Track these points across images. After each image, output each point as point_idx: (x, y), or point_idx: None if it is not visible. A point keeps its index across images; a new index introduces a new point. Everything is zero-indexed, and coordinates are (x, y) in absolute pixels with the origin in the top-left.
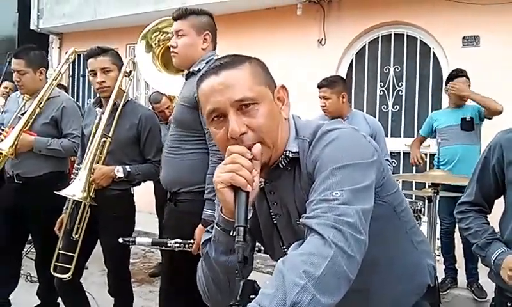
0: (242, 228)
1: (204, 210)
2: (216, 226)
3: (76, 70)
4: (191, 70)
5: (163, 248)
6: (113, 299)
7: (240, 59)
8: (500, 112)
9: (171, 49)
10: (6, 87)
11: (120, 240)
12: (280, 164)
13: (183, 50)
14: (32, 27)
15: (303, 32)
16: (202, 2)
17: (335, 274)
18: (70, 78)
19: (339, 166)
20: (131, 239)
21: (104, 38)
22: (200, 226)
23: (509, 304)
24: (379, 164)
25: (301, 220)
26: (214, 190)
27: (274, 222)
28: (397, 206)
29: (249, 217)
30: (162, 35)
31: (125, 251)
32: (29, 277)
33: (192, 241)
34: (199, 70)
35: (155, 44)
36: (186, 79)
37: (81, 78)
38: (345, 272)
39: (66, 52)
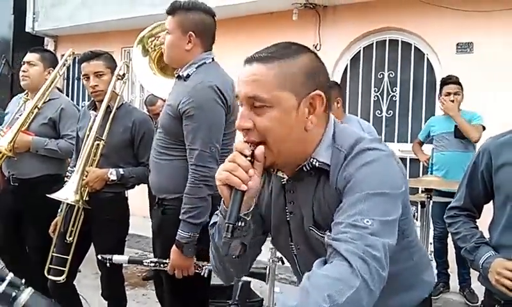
0: (230, 225)
1: (179, 231)
2: (220, 213)
3: (71, 72)
4: (180, 73)
5: (140, 265)
6: (106, 302)
7: (279, 54)
8: (475, 142)
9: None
10: None
11: (99, 257)
12: (303, 168)
13: (167, 49)
14: (27, 29)
15: (299, 37)
16: None
17: (355, 305)
18: (65, 81)
19: (373, 193)
20: (108, 257)
21: (99, 41)
22: (174, 247)
23: None
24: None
25: (326, 239)
26: (190, 211)
27: (287, 219)
28: (406, 229)
29: (251, 209)
30: (157, 40)
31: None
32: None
33: (167, 260)
34: (188, 76)
35: (152, 48)
36: (176, 80)
37: (76, 81)
38: (361, 302)
39: (63, 55)
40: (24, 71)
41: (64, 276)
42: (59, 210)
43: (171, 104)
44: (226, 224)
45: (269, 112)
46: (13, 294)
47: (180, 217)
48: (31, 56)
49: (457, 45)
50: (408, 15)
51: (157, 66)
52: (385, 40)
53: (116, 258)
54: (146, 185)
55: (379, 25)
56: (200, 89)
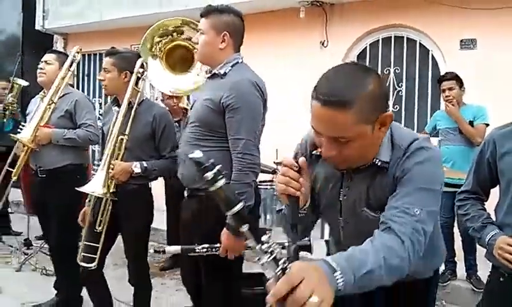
0: (294, 225)
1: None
2: (285, 206)
3: (81, 69)
4: (215, 71)
5: (192, 254)
6: (128, 290)
7: (350, 94)
8: (478, 145)
9: (195, 45)
10: (4, 88)
11: (152, 250)
12: (365, 165)
13: (201, 48)
14: (37, 27)
15: (306, 34)
16: (204, 4)
17: (398, 269)
18: (75, 77)
19: (423, 187)
20: (161, 249)
21: (108, 39)
22: (225, 230)
23: (501, 279)
24: None
25: (381, 217)
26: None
27: (340, 199)
28: None
29: (308, 203)
30: (159, 43)
31: (144, 243)
32: (44, 271)
33: (218, 245)
34: (225, 74)
35: (159, 51)
36: (210, 78)
37: (86, 78)
38: (403, 270)
39: (71, 51)
40: (41, 68)
41: (95, 263)
42: (87, 200)
43: (212, 98)
44: (290, 225)
45: (351, 143)
46: (219, 177)
47: None
48: (48, 56)
49: (461, 41)
50: (412, 12)
51: (166, 64)
52: (390, 37)
53: (169, 249)
54: (162, 178)
55: (384, 23)
56: (242, 85)
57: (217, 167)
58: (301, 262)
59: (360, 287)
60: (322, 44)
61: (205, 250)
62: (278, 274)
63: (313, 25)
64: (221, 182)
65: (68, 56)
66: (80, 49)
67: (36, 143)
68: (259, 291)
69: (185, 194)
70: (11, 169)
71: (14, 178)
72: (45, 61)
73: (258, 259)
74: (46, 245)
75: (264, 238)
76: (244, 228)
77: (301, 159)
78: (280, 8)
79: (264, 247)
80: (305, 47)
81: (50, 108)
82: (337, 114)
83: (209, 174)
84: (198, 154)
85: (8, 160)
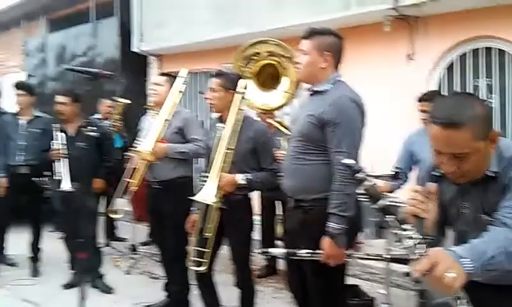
0: (423, 244)
1: (331, 224)
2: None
3: None
4: (316, 88)
5: (295, 257)
6: (230, 295)
7: (465, 116)
8: None
9: (296, 65)
10: (109, 106)
11: (259, 250)
12: (480, 178)
13: (304, 68)
14: (134, 49)
15: (392, 47)
16: (289, 23)
17: None
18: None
19: None
20: (265, 250)
21: (199, 59)
22: (327, 239)
23: None
24: None
25: (496, 215)
26: (339, 206)
27: (462, 211)
28: None
29: (433, 231)
30: (246, 67)
31: (248, 250)
32: (151, 275)
33: (320, 251)
34: (325, 91)
35: (250, 72)
36: (311, 95)
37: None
38: None
39: (178, 73)
40: (154, 90)
41: (206, 267)
42: (196, 209)
43: (314, 114)
44: (424, 243)
45: (468, 158)
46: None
47: (330, 211)
48: (158, 78)
49: None
50: (501, 22)
51: (257, 82)
52: (479, 49)
53: (273, 251)
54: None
55: (472, 34)
56: (342, 101)
57: (366, 171)
58: (436, 248)
59: (483, 272)
60: (409, 57)
61: (308, 255)
62: (418, 255)
63: (398, 38)
64: (370, 182)
65: (175, 77)
66: (189, 72)
67: (155, 157)
68: (355, 302)
69: (289, 204)
70: (130, 180)
71: (134, 189)
72: (157, 83)
73: (401, 243)
74: (153, 251)
75: (406, 226)
76: (389, 219)
77: (432, 185)
78: (364, 23)
79: (406, 233)
80: (391, 60)
81: (165, 125)
82: (454, 133)
83: (360, 175)
84: (350, 160)
85: (129, 172)
